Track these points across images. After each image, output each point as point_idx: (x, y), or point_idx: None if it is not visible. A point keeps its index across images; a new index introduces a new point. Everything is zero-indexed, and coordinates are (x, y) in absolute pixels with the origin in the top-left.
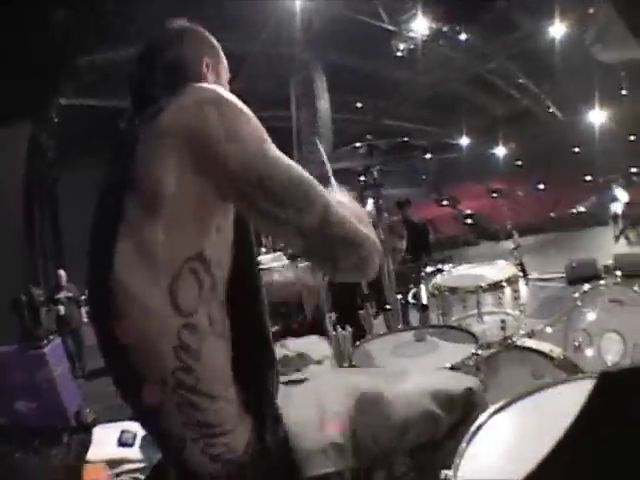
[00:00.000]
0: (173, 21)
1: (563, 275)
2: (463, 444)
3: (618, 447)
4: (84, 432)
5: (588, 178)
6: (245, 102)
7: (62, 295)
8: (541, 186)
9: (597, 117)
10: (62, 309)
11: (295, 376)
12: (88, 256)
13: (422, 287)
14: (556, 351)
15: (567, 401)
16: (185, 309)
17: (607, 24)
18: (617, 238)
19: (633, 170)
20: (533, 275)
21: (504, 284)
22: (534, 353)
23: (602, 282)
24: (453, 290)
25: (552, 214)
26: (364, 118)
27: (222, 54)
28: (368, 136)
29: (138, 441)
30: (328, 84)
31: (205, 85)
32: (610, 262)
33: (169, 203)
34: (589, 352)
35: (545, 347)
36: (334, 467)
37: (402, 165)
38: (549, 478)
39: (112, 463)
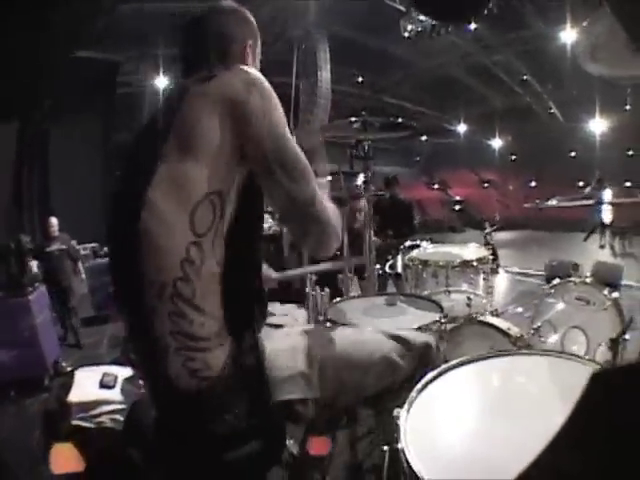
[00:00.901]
0: (225, 1)
1: (542, 273)
2: (413, 394)
3: (614, 445)
4: (66, 375)
5: (581, 184)
6: None
7: (54, 248)
8: (533, 183)
9: (597, 126)
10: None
11: (275, 321)
12: (120, 180)
13: (399, 258)
14: (514, 330)
15: (514, 370)
16: (198, 230)
17: (601, 38)
18: (602, 247)
19: (627, 184)
20: (514, 269)
21: (475, 263)
22: (493, 329)
23: (573, 279)
24: (425, 263)
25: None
26: (363, 93)
27: (258, 31)
28: (363, 112)
29: (119, 384)
30: (332, 56)
31: (252, 70)
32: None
33: (205, 148)
34: (551, 341)
35: (504, 325)
36: (301, 394)
37: (396, 145)
38: (544, 476)
39: (93, 404)
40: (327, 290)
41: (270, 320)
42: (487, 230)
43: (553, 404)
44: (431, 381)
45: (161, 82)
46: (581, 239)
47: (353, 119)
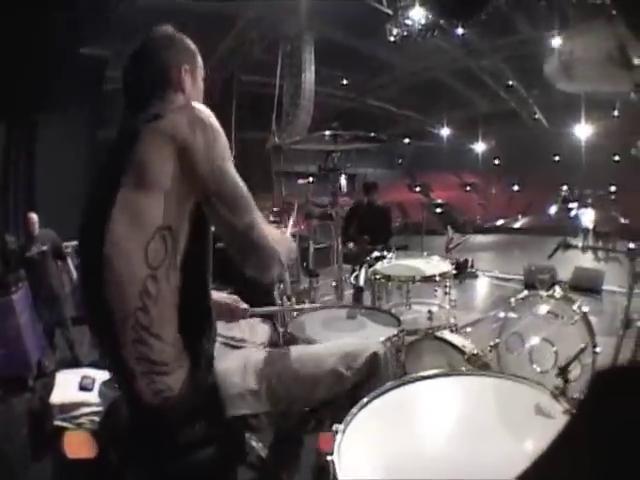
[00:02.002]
0: (158, 28)
1: (521, 277)
2: (354, 409)
3: (615, 446)
4: (47, 377)
5: (564, 188)
6: (230, 65)
7: (34, 252)
8: (515, 187)
9: (583, 131)
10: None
11: (233, 341)
12: (84, 213)
13: (362, 271)
14: (469, 347)
15: (455, 391)
16: (152, 263)
17: (577, 53)
18: (583, 250)
19: (612, 189)
20: (494, 273)
21: (437, 278)
22: (449, 345)
23: (543, 293)
24: (388, 278)
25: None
26: (348, 95)
27: (199, 58)
28: (334, 124)
29: (97, 386)
30: (317, 58)
31: (197, 106)
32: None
33: (157, 185)
34: (518, 354)
35: (459, 341)
36: (251, 410)
37: (378, 147)
38: (546, 476)
39: (73, 405)
40: (293, 300)
41: (229, 340)
42: (451, 245)
43: (493, 426)
44: (374, 398)
45: None
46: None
47: (327, 132)
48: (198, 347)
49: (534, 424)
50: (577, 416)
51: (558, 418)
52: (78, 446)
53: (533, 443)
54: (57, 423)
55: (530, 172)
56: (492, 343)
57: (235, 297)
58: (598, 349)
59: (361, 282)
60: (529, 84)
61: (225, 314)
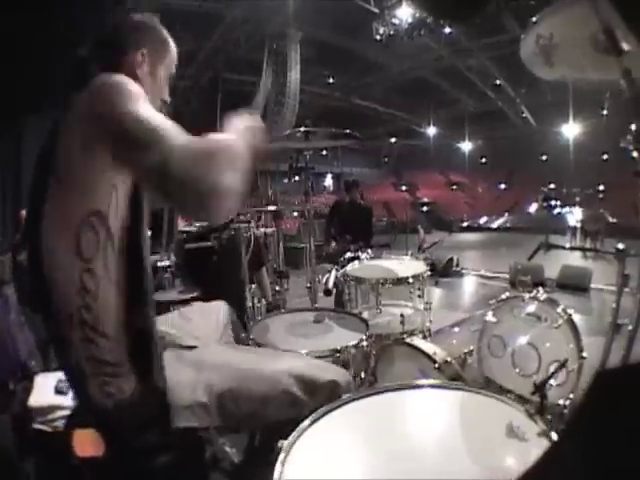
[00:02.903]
0: (137, 14)
1: (507, 276)
2: (306, 422)
3: (615, 446)
4: (27, 379)
5: (552, 186)
6: (216, 64)
7: (22, 257)
8: (502, 186)
9: (571, 130)
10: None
11: (188, 341)
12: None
13: (332, 272)
14: (440, 355)
15: (417, 405)
16: (85, 255)
17: (556, 37)
18: (572, 249)
19: (600, 188)
20: (480, 271)
21: (410, 280)
22: (420, 353)
23: (526, 294)
24: (358, 280)
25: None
26: (334, 94)
27: (170, 49)
28: (307, 121)
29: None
30: (303, 56)
31: (101, 77)
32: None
33: (72, 171)
34: (500, 358)
35: (430, 349)
36: (199, 423)
37: (364, 146)
38: (546, 476)
39: (50, 409)
40: (264, 302)
41: (184, 338)
42: (425, 245)
43: (460, 447)
44: (324, 414)
45: None
46: (552, 241)
47: (302, 129)
48: (146, 345)
49: (505, 446)
50: (577, 416)
51: (532, 440)
52: (87, 444)
53: (502, 468)
54: (37, 426)
55: (517, 171)
56: (466, 350)
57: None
58: (585, 354)
59: (330, 284)
60: (517, 83)
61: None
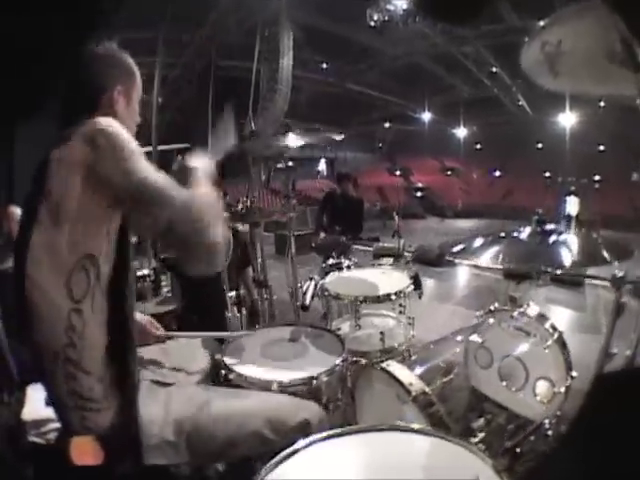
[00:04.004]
0: (99, 46)
1: (500, 267)
2: (278, 458)
3: (615, 447)
4: (19, 391)
5: (547, 174)
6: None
7: (7, 265)
8: (497, 173)
9: (567, 120)
10: None
11: (163, 378)
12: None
13: (311, 286)
14: (416, 386)
15: (387, 452)
16: (76, 297)
17: (565, 45)
18: (554, 279)
19: (596, 178)
20: (472, 261)
21: (393, 297)
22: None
23: (511, 309)
24: (336, 296)
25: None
26: (327, 79)
27: (137, 77)
28: (286, 120)
29: None
30: (297, 42)
31: (99, 121)
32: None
33: (70, 215)
34: (487, 369)
35: (407, 378)
36: (168, 461)
37: (358, 130)
38: (547, 476)
39: (42, 422)
40: (244, 312)
41: (157, 375)
42: (408, 256)
43: None
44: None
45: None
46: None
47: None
48: (125, 384)
49: None
50: (579, 418)
51: None
52: (85, 453)
53: None
54: (32, 439)
55: (512, 158)
56: (445, 379)
57: (150, 319)
58: (574, 373)
59: (307, 300)
60: (513, 72)
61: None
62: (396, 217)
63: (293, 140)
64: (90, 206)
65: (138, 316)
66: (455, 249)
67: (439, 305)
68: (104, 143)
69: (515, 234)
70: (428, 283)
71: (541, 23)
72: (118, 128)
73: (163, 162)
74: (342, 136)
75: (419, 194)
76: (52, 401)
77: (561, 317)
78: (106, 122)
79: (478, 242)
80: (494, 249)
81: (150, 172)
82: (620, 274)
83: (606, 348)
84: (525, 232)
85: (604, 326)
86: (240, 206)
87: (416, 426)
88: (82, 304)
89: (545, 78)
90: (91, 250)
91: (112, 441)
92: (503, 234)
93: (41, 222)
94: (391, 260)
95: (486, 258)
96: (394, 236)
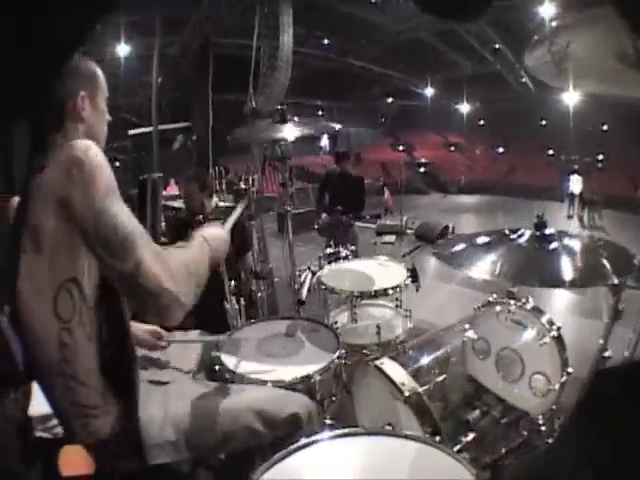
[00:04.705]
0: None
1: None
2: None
3: (614, 445)
4: (25, 386)
5: (550, 152)
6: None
7: None
8: (500, 149)
9: (571, 98)
10: None
11: (159, 376)
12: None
13: (307, 279)
14: (408, 385)
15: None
16: (63, 317)
17: (571, 47)
18: (570, 217)
19: (599, 157)
20: (467, 272)
21: (390, 292)
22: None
23: (509, 302)
24: (332, 290)
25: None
26: (329, 55)
27: (100, 79)
28: (282, 106)
29: None
30: (298, 18)
31: (77, 146)
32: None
33: (49, 241)
34: (484, 359)
35: (399, 377)
36: (169, 459)
37: (361, 105)
38: (546, 475)
39: (48, 416)
40: (242, 302)
41: (152, 375)
42: (407, 250)
43: None
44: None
45: (122, 50)
46: (547, 208)
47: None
48: (125, 390)
49: None
50: (577, 414)
51: None
52: (74, 462)
53: None
54: (39, 434)
55: (515, 135)
56: (439, 379)
57: (154, 329)
58: (570, 369)
59: (303, 295)
60: (516, 49)
61: (143, 347)
62: (386, 192)
63: (289, 131)
64: (68, 234)
65: (142, 327)
66: (455, 248)
67: (441, 285)
68: (79, 178)
69: (514, 237)
70: (430, 262)
71: (553, 23)
72: (94, 158)
73: (164, 141)
74: (340, 126)
75: (422, 169)
76: (55, 410)
77: (561, 300)
78: (82, 148)
79: (480, 241)
80: (492, 256)
81: (123, 217)
82: (617, 281)
83: (602, 352)
84: (525, 236)
85: (604, 311)
86: (242, 185)
87: (409, 433)
88: (71, 323)
89: (550, 76)
90: (73, 274)
91: (115, 444)
92: (506, 232)
93: (25, 250)
94: (394, 237)
95: (483, 267)
96: (386, 214)
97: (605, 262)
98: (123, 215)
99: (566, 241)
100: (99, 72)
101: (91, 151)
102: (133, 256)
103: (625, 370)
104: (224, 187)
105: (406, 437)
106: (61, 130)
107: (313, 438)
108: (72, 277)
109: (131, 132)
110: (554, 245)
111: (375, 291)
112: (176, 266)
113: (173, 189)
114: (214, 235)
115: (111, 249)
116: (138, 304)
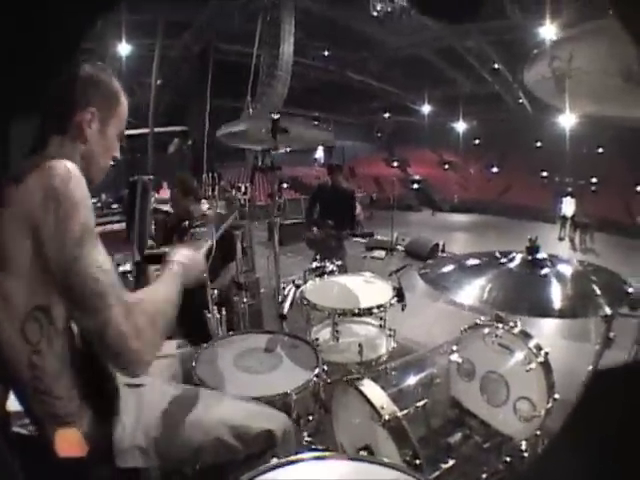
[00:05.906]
0: (85, 65)
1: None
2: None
3: (614, 444)
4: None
5: (544, 174)
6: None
7: None
8: (494, 169)
9: (567, 120)
10: None
11: (134, 380)
12: None
13: (290, 294)
14: (388, 409)
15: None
16: (32, 340)
17: (573, 63)
18: (561, 239)
19: (593, 180)
20: (454, 298)
21: (375, 311)
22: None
23: (496, 326)
24: (313, 306)
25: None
26: (328, 67)
27: (122, 103)
28: (276, 115)
29: None
30: (299, 29)
31: (57, 169)
32: None
33: (18, 266)
34: (469, 381)
35: (379, 400)
36: (139, 464)
37: (359, 119)
38: (546, 475)
39: (24, 413)
40: (223, 312)
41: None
42: (395, 268)
43: None
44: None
45: (123, 49)
46: (539, 229)
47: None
48: (101, 399)
49: None
50: (576, 415)
51: None
52: (69, 444)
53: None
54: (16, 430)
55: (510, 155)
56: (419, 404)
57: None
58: (556, 395)
59: (285, 309)
60: (515, 69)
61: None
62: (358, 207)
63: (282, 144)
64: (34, 264)
65: None
66: (443, 270)
67: (429, 302)
68: (53, 215)
69: (504, 260)
70: (418, 278)
71: (553, 37)
72: (73, 192)
73: (159, 144)
74: (336, 143)
75: (415, 186)
76: (30, 417)
77: (550, 322)
78: (63, 176)
79: (469, 263)
80: (481, 280)
81: (94, 269)
82: (609, 312)
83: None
84: (516, 260)
85: (593, 333)
86: (234, 192)
87: (384, 461)
88: (39, 345)
89: (549, 93)
90: (41, 302)
91: (91, 447)
92: (497, 254)
93: None
94: (383, 253)
95: (471, 292)
96: (358, 225)
97: (597, 290)
98: (95, 266)
99: (557, 267)
100: (122, 98)
101: (71, 183)
102: (102, 315)
103: (622, 371)
104: (216, 193)
105: (385, 465)
106: (58, 141)
107: (294, 457)
108: (41, 305)
109: (127, 133)
110: (545, 271)
111: (358, 309)
112: (144, 323)
113: (166, 193)
114: (189, 261)
115: (79, 302)
116: (103, 355)
